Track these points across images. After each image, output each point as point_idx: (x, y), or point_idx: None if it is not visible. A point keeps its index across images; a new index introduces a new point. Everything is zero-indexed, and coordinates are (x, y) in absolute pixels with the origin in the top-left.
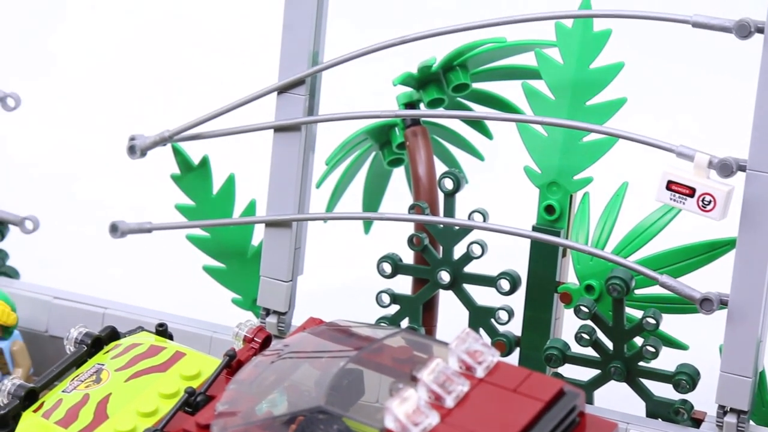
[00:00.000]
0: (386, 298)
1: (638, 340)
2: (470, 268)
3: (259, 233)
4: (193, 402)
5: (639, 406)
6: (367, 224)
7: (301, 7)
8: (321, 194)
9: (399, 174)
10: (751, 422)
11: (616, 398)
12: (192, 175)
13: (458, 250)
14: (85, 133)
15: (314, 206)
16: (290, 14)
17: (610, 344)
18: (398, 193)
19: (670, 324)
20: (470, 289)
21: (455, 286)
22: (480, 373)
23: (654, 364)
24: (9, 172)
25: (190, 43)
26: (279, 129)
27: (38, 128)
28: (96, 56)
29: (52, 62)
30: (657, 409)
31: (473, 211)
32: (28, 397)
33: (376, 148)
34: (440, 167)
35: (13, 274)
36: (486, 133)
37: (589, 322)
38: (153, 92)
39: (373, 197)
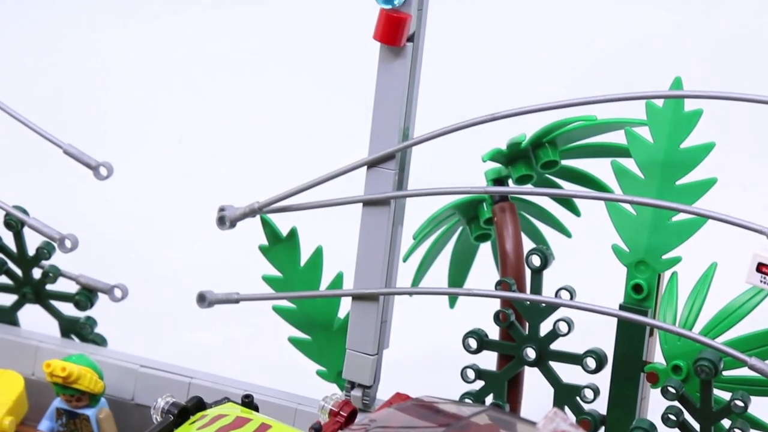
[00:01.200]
0: (471, 374)
1: (726, 422)
2: (556, 346)
3: (345, 306)
4: None
5: None
6: (453, 298)
7: (392, 83)
8: (407, 267)
9: (485, 249)
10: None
11: None
12: (280, 246)
13: (544, 327)
14: (174, 202)
15: (400, 279)
16: (381, 90)
17: (697, 426)
18: (484, 268)
19: (759, 407)
20: (556, 366)
21: (541, 363)
22: None
23: None
24: (99, 239)
25: (275, 112)
26: (368, 203)
27: (128, 196)
28: (182, 123)
29: (139, 130)
30: None
31: (560, 289)
32: None
33: (464, 223)
34: (527, 243)
35: (100, 341)
36: (574, 210)
37: (676, 403)
38: (239, 160)
39: (459, 272)
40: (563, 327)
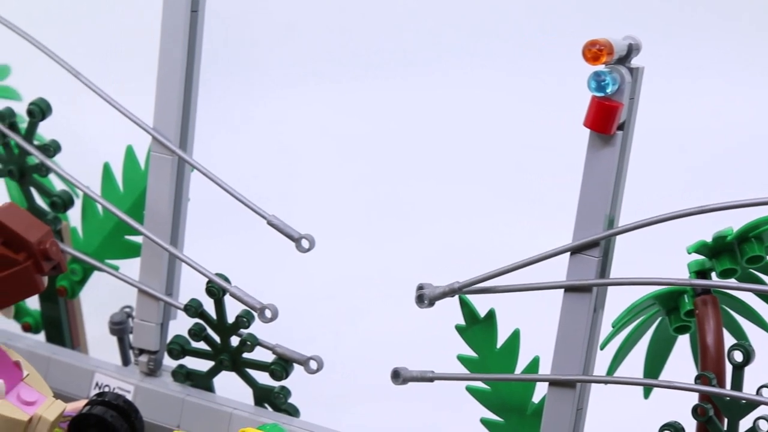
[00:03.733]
0: None
1: None
2: None
3: (540, 390)
4: None
5: None
6: (647, 389)
7: (600, 171)
8: (602, 355)
9: (683, 341)
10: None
11: None
12: (477, 327)
13: (744, 424)
14: (372, 275)
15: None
16: (589, 176)
17: None
18: (681, 360)
19: None
20: None
21: None
22: None
23: None
24: (297, 310)
25: (474, 191)
26: (570, 289)
27: (327, 268)
28: (381, 196)
29: (337, 202)
30: None
31: (762, 386)
32: None
33: (663, 314)
34: (728, 339)
35: (293, 412)
36: None
37: None
38: (434, 234)
39: (655, 362)
40: (764, 425)
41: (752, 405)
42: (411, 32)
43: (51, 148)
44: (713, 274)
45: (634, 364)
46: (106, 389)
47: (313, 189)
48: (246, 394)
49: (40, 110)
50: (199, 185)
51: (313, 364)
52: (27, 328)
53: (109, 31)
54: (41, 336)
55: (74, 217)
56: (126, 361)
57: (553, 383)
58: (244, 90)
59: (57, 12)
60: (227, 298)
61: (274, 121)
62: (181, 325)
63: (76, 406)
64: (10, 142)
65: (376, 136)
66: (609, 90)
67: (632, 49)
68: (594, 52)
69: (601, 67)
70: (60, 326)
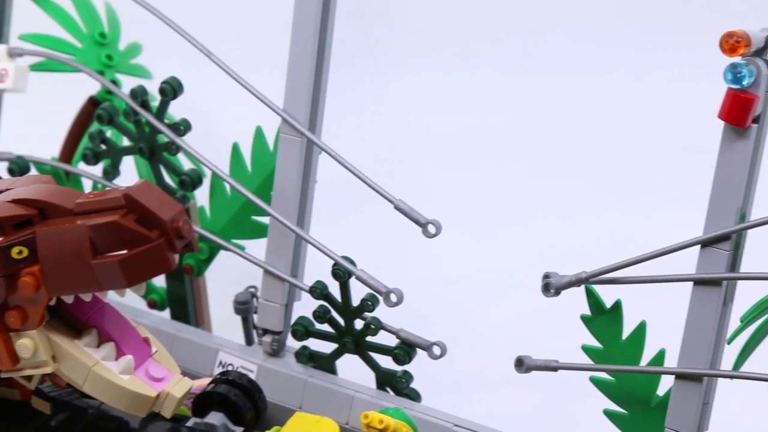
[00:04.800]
0: None
1: None
2: None
3: (665, 382)
4: None
5: None
6: None
7: (733, 164)
8: (729, 350)
9: None
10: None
11: None
12: (603, 318)
13: None
14: (498, 261)
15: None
16: (722, 170)
17: None
18: None
19: None
20: None
21: None
22: None
23: None
24: (422, 295)
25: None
26: (699, 282)
27: (453, 253)
28: (508, 180)
29: (466, 187)
30: None
31: None
32: None
33: None
34: None
35: (415, 396)
36: None
37: None
38: (562, 221)
39: None
40: None
41: None
42: (530, 27)
43: (181, 127)
44: None
45: (762, 359)
46: (230, 368)
47: (440, 175)
48: (368, 378)
49: (171, 89)
50: (327, 167)
51: (436, 350)
52: (152, 305)
53: (240, 12)
54: (166, 313)
55: (201, 196)
56: (249, 341)
57: (680, 377)
58: (375, 75)
59: None
60: (352, 281)
61: (404, 106)
62: (305, 306)
63: (201, 384)
64: (142, 120)
65: (506, 128)
66: (745, 82)
67: None
68: (731, 43)
69: (737, 59)
70: (185, 304)
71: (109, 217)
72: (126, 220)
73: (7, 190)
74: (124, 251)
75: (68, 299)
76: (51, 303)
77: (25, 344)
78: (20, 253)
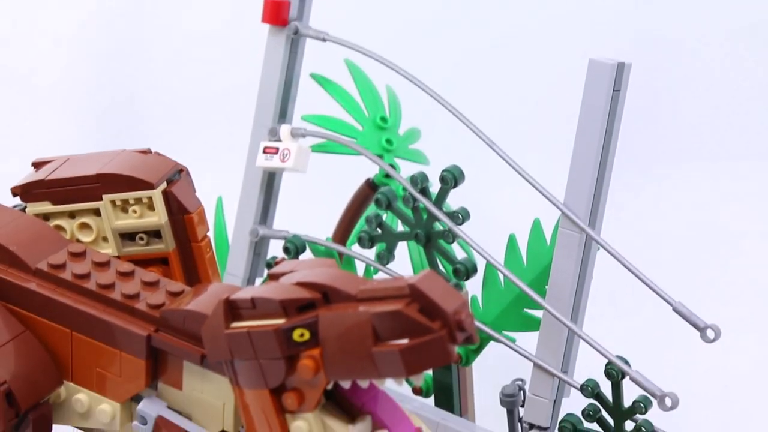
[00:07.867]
0: None
1: None
2: None
3: None
4: None
5: None
6: None
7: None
8: None
9: None
10: None
11: None
12: None
13: None
14: None
15: None
16: None
17: None
18: None
19: None
20: None
21: None
22: None
23: None
24: (695, 398)
25: None
26: None
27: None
28: None
29: None
30: None
31: None
32: None
33: None
34: None
35: None
36: None
37: None
38: None
39: None
40: None
41: None
42: None
43: (460, 216)
44: None
45: None
46: None
47: (720, 279)
48: None
49: (453, 177)
50: (603, 262)
51: None
52: (418, 392)
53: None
54: (430, 400)
55: (473, 286)
56: None
57: None
58: (653, 170)
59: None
60: (625, 381)
61: (688, 202)
62: (572, 402)
63: None
64: (420, 206)
65: None
66: None
67: None
68: None
69: None
70: (450, 392)
71: (393, 306)
72: (409, 310)
73: (291, 272)
74: (406, 340)
75: (346, 384)
76: (328, 387)
77: (300, 426)
78: (302, 335)
